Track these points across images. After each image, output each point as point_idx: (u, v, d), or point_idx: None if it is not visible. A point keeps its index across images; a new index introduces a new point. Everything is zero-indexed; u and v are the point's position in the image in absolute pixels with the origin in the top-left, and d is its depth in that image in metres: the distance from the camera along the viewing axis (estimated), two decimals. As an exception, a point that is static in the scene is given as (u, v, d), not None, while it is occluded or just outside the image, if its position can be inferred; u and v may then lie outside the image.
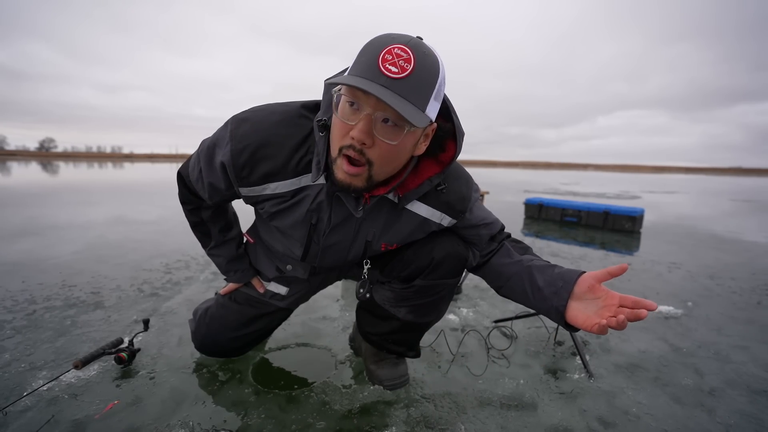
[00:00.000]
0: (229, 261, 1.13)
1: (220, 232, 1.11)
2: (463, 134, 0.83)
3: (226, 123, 0.85)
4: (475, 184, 0.98)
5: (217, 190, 0.92)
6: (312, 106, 0.85)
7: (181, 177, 1.01)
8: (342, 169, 0.75)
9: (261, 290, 1.16)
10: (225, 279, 1.18)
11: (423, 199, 0.90)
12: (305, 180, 0.84)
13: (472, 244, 1.01)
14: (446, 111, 0.81)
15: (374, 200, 0.85)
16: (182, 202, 1.06)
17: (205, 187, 0.93)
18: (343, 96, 0.70)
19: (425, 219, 0.93)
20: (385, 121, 0.69)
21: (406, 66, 0.66)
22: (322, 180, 0.83)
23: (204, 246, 1.13)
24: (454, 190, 0.91)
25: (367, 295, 1.03)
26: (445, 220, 0.95)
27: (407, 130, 0.70)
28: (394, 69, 0.65)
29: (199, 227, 1.10)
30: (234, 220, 1.16)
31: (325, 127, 0.77)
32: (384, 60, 0.65)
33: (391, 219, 0.92)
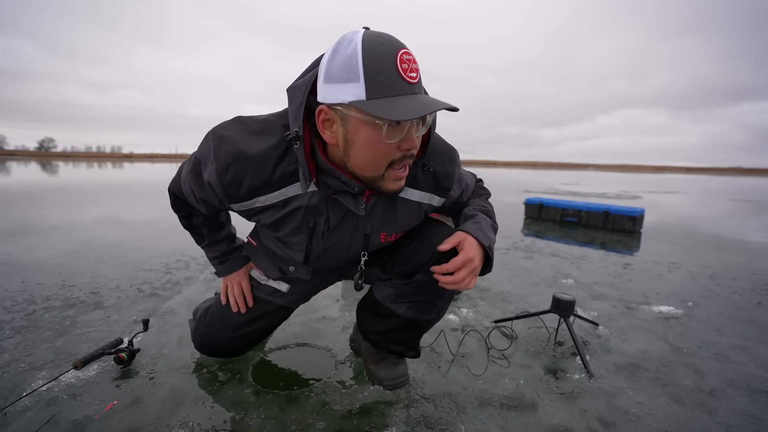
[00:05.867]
0: (220, 256, 1.18)
1: (211, 232, 1.15)
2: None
3: (208, 138, 0.83)
4: (458, 156, 0.99)
5: (211, 205, 0.94)
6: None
7: (173, 193, 1.04)
8: (394, 180, 0.78)
9: (258, 272, 1.18)
10: (215, 273, 1.22)
11: (412, 184, 0.92)
12: (292, 190, 0.84)
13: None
14: None
15: (375, 198, 0.86)
16: (174, 209, 1.10)
17: (199, 202, 0.95)
18: (385, 124, 0.69)
19: (419, 203, 0.95)
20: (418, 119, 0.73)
21: (416, 67, 0.70)
22: (312, 187, 0.83)
23: (197, 243, 1.19)
24: (439, 168, 0.93)
25: (363, 285, 1.04)
26: (435, 200, 0.97)
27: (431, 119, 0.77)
28: (413, 74, 0.69)
29: (191, 229, 1.15)
30: (226, 221, 1.20)
31: (299, 138, 0.75)
32: (403, 71, 0.68)
33: (387, 209, 0.93)
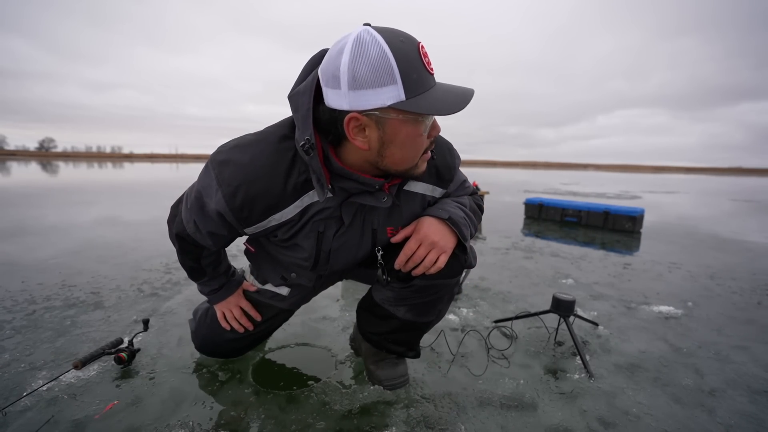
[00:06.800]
0: (217, 288, 1.15)
1: (214, 269, 1.13)
2: None
3: (208, 168, 0.81)
4: (456, 151, 1.01)
5: (220, 237, 0.91)
6: (288, 124, 0.82)
7: (179, 236, 1.00)
8: (424, 162, 0.82)
9: (252, 289, 1.17)
10: (207, 302, 1.20)
11: (417, 176, 0.92)
12: (307, 199, 0.82)
13: None
14: None
15: (394, 188, 0.87)
16: (182, 253, 1.05)
17: (206, 237, 0.91)
18: (425, 119, 0.73)
19: (423, 195, 0.96)
20: None
21: (430, 58, 0.72)
22: (328, 194, 0.81)
23: (194, 279, 1.13)
24: (440, 160, 0.95)
25: (389, 279, 1.01)
26: (437, 192, 0.99)
27: None
28: (431, 66, 0.72)
29: (197, 271, 1.10)
30: (224, 256, 1.17)
31: (312, 147, 0.73)
32: (426, 64, 0.70)
33: (392, 204, 0.92)
